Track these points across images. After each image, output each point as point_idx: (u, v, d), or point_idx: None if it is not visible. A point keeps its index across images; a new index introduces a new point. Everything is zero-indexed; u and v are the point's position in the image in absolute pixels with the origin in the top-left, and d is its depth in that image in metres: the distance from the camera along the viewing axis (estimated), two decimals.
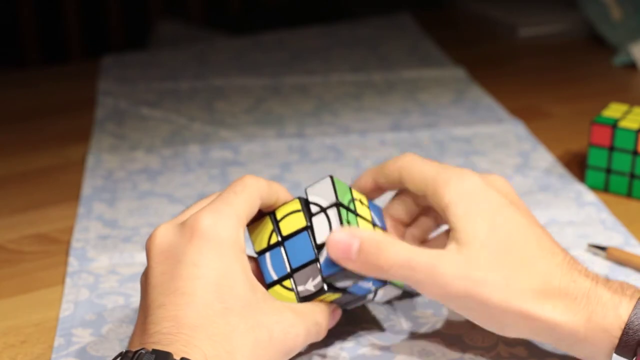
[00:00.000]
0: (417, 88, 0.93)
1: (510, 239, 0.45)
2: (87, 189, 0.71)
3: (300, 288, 0.46)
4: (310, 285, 0.46)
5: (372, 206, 0.51)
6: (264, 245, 0.48)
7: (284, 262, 0.47)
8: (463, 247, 0.45)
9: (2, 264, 0.61)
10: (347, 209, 0.47)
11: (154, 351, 0.40)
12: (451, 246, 0.45)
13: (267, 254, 0.47)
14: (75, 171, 0.75)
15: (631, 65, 0.99)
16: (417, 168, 0.49)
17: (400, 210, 0.52)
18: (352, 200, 0.48)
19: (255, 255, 0.48)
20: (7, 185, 0.73)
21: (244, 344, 0.42)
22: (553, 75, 0.98)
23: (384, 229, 0.51)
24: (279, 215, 0.48)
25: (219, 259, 0.43)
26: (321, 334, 0.47)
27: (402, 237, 0.53)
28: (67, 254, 0.61)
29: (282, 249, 0.47)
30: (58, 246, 0.63)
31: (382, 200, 0.54)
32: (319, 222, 0.46)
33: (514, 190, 0.49)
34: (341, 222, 0.46)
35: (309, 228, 0.47)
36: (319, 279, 0.46)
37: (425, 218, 0.53)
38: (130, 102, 0.90)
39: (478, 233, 0.45)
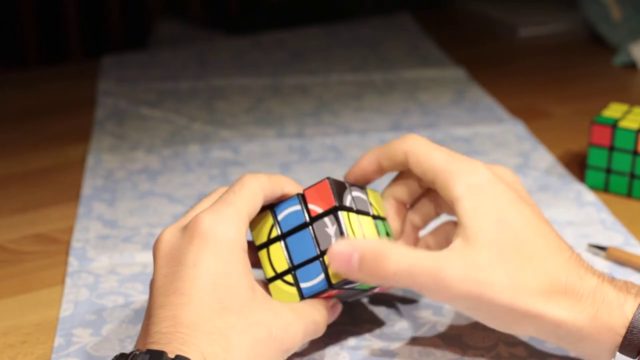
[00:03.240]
0: (417, 88, 0.93)
1: (518, 236, 0.45)
2: (87, 189, 0.71)
3: (302, 285, 0.47)
4: (314, 283, 0.46)
5: (372, 196, 0.51)
6: (264, 239, 0.48)
7: (284, 256, 0.47)
8: (469, 244, 0.44)
9: (2, 264, 0.61)
10: (349, 209, 0.47)
11: (148, 351, 0.40)
12: (457, 243, 0.45)
13: (268, 248, 0.48)
14: (75, 171, 0.75)
15: (631, 65, 0.99)
16: (424, 154, 0.48)
17: (403, 191, 0.52)
18: (352, 198, 0.48)
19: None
20: (7, 185, 0.73)
21: (242, 342, 0.42)
22: (553, 75, 0.98)
23: (382, 218, 0.51)
24: (278, 211, 0.48)
25: (217, 258, 0.44)
26: (319, 332, 0.47)
27: (404, 221, 0.52)
28: (67, 254, 0.61)
29: (282, 243, 0.47)
30: (58, 246, 0.63)
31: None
32: (319, 227, 0.47)
33: (520, 182, 0.49)
34: (340, 228, 0.46)
35: (310, 225, 0.47)
36: (322, 276, 0.46)
37: (426, 201, 0.52)
38: (130, 102, 0.90)
39: (486, 229, 0.45)
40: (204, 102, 0.90)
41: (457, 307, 0.45)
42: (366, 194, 0.50)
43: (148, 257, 0.60)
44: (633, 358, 0.43)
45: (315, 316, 0.46)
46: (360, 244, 0.45)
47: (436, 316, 0.53)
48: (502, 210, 0.45)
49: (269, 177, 0.48)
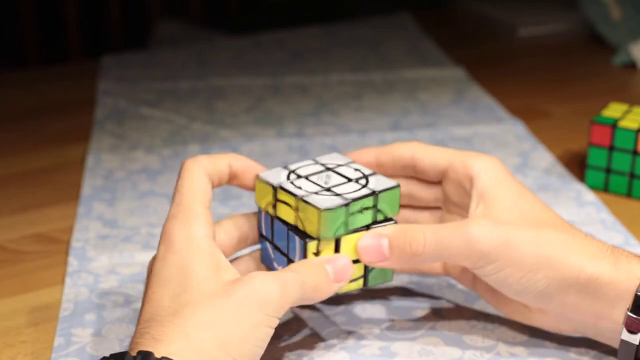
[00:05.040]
0: (417, 88, 0.93)
1: (535, 208, 0.48)
2: (87, 189, 0.71)
3: (277, 267, 0.49)
4: None
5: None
6: (263, 205, 0.49)
7: (270, 229, 0.49)
8: (492, 208, 0.47)
9: (2, 264, 0.61)
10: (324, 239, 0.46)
11: (112, 356, 0.41)
12: (479, 210, 0.47)
13: (263, 214, 0.49)
14: (75, 171, 0.75)
15: (631, 65, 0.99)
16: (433, 149, 0.51)
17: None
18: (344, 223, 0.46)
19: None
20: (7, 185, 0.73)
21: (196, 314, 0.42)
22: (553, 75, 0.98)
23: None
24: (279, 196, 0.47)
25: (173, 256, 0.45)
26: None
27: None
28: (67, 254, 0.61)
29: (272, 220, 0.48)
30: (58, 246, 0.63)
31: None
32: (291, 238, 0.47)
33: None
34: (305, 255, 0.46)
35: (292, 229, 0.47)
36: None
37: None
38: (130, 102, 0.90)
39: (508, 198, 0.48)
40: (204, 102, 0.90)
41: (487, 274, 0.46)
42: (376, 201, 0.47)
43: (148, 257, 0.60)
44: None
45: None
46: (385, 231, 0.46)
47: (436, 316, 0.53)
48: (518, 188, 0.49)
49: (209, 157, 0.49)
